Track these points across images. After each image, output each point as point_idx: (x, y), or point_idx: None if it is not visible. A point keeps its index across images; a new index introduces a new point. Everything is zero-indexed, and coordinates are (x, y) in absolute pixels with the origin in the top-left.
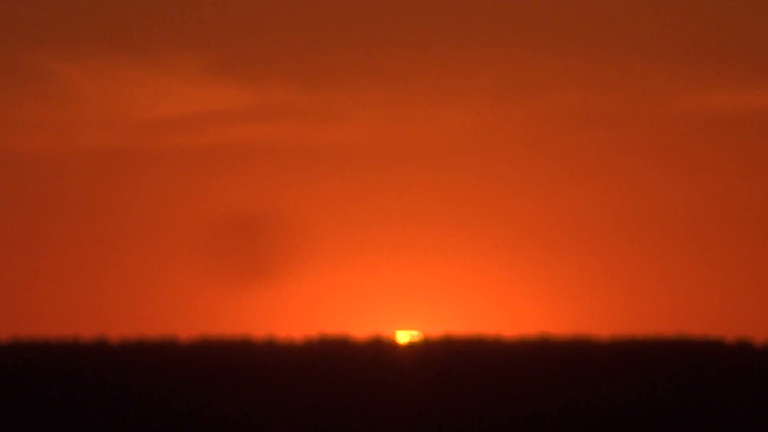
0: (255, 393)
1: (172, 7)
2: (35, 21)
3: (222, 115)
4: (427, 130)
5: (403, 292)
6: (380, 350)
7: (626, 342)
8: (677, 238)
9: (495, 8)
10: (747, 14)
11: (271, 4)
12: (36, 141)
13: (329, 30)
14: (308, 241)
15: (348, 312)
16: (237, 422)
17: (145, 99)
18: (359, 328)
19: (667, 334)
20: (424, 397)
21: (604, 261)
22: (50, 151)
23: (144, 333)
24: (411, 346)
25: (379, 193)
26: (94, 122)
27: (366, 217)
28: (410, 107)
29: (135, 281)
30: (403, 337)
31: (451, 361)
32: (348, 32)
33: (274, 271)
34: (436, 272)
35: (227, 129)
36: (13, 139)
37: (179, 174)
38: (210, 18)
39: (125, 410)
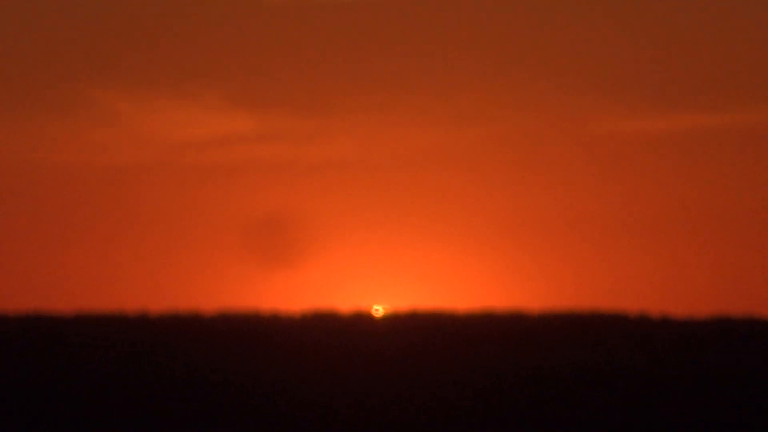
0: (263, 356)
1: (195, 49)
2: (82, 56)
3: (235, 138)
4: (400, 148)
5: (378, 274)
6: (361, 322)
7: (555, 314)
8: (591, 231)
9: (450, 53)
10: (652, 49)
11: (274, 49)
12: (80, 157)
13: (321, 68)
14: (305, 236)
15: (335, 290)
16: (250, 377)
17: (172, 124)
18: (344, 303)
19: (585, 308)
20: (395, 361)
21: (535, 248)
22: (92, 166)
23: (176, 306)
24: (385, 318)
25: (362, 199)
26: (130, 142)
27: (352, 218)
28: (385, 131)
29: (165, 267)
30: (378, 311)
31: (417, 331)
32: (336, 70)
33: (277, 260)
34: (403, 259)
35: (239, 148)
36: (61, 155)
37: (199, 185)
38: (225, 58)
39: (163, 367)
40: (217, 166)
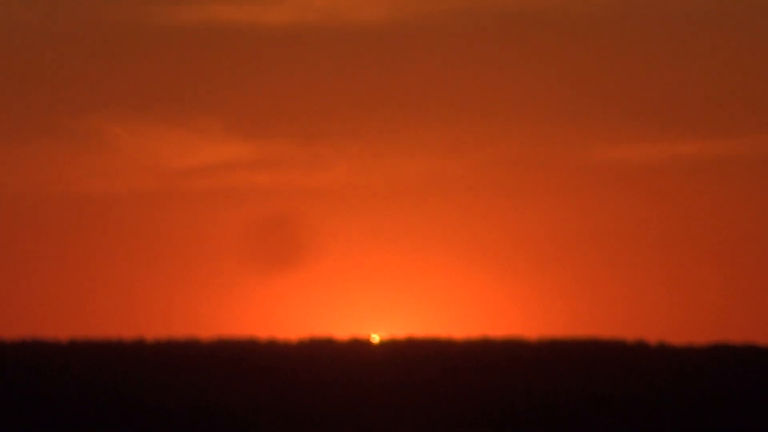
0: (260, 382)
1: (195, 80)
2: (87, 89)
3: (232, 164)
4: (394, 174)
5: (375, 301)
6: (357, 349)
7: (550, 342)
8: (588, 256)
9: (444, 81)
10: (647, 81)
11: (272, 81)
12: (80, 184)
13: (316, 100)
14: (301, 262)
15: (332, 317)
16: (249, 404)
17: (173, 152)
18: (340, 330)
19: (581, 335)
20: (392, 387)
21: (532, 276)
22: (92, 193)
23: (173, 333)
24: (381, 345)
25: (356, 225)
26: (129, 169)
27: (346, 243)
28: (380, 158)
29: (163, 293)
30: (375, 338)
31: (413, 358)
32: (330, 102)
33: (274, 285)
34: (400, 285)
35: (237, 175)
36: (61, 182)
37: (197, 212)
38: (224, 89)
39: (161, 392)
40: (215, 192)
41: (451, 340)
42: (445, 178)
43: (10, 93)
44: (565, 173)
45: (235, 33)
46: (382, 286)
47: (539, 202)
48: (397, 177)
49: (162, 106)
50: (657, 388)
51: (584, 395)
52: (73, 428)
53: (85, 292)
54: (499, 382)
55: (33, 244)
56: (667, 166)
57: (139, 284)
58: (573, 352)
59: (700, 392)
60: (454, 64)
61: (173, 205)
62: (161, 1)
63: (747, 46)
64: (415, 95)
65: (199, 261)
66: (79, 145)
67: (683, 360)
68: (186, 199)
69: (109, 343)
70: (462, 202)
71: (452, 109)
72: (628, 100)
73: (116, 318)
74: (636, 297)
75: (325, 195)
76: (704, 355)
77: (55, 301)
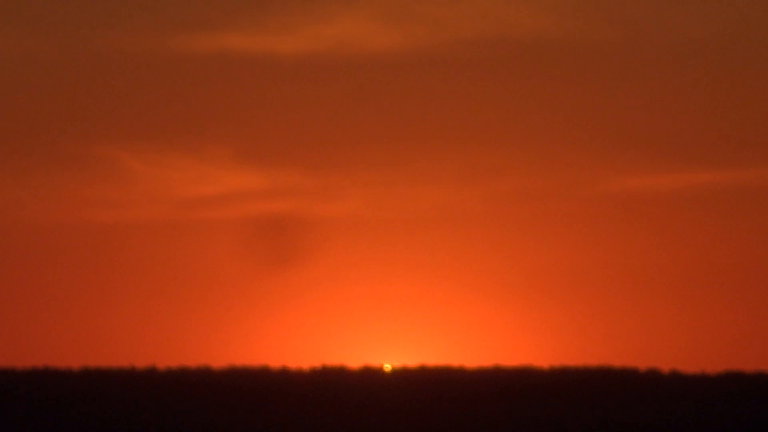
0: (272, 411)
1: (208, 109)
2: (101, 118)
3: (246, 194)
4: (406, 204)
5: (386, 330)
6: (370, 377)
7: (562, 370)
8: (601, 285)
9: (456, 111)
10: (656, 112)
11: (284, 110)
12: (98, 212)
13: (328, 130)
14: (313, 291)
15: (344, 346)
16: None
17: (185, 181)
18: (353, 359)
19: (594, 364)
20: (405, 416)
21: (544, 305)
22: (109, 221)
23: (185, 363)
24: (394, 374)
25: (368, 254)
26: (144, 199)
27: (358, 273)
28: (392, 188)
29: (176, 321)
30: (388, 367)
31: (425, 387)
32: (342, 132)
33: (288, 311)
34: (412, 314)
35: (249, 204)
36: (81, 210)
37: (209, 241)
38: (236, 119)
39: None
40: (227, 221)
41: (462, 368)
42: (459, 208)
43: (24, 122)
44: (578, 203)
45: (247, 63)
46: (394, 316)
47: (553, 231)
48: (410, 207)
49: (175, 135)
50: (670, 416)
51: (597, 423)
52: None
53: (97, 320)
54: (511, 411)
55: (45, 272)
56: (680, 196)
57: (152, 312)
58: (586, 381)
59: (713, 420)
60: (467, 94)
61: (185, 234)
62: (175, 31)
63: (763, 77)
64: (428, 125)
65: (212, 289)
66: (92, 174)
67: (696, 388)
68: (198, 228)
69: (121, 371)
70: (475, 231)
71: (465, 139)
72: (641, 131)
73: (129, 346)
74: (649, 326)
75: (337, 224)
76: (717, 383)
77: (65, 331)
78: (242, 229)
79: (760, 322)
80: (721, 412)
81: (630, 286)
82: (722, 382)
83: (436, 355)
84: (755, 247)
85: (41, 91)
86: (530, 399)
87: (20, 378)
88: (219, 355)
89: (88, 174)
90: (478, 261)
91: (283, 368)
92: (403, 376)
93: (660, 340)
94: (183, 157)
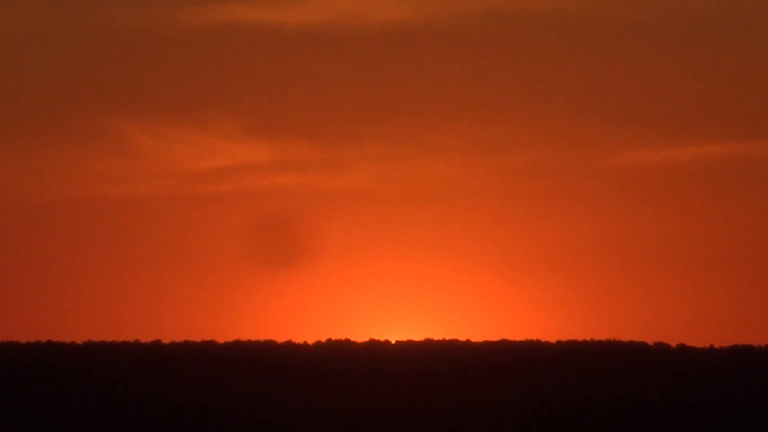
0: (278, 384)
1: (214, 80)
2: (108, 91)
3: (253, 167)
4: (414, 178)
5: (393, 304)
6: (374, 352)
7: (570, 344)
8: (609, 259)
9: (465, 85)
10: (664, 85)
11: (292, 80)
12: (106, 187)
13: (336, 103)
14: (321, 265)
15: (350, 321)
16: (266, 405)
17: (193, 155)
18: (358, 334)
19: (602, 338)
20: (409, 390)
21: (552, 279)
22: (116, 195)
23: (189, 337)
24: (400, 348)
25: (375, 228)
26: (152, 173)
27: (365, 247)
28: (400, 162)
29: (182, 296)
30: (392, 341)
31: (431, 361)
32: (351, 104)
33: (294, 285)
34: (418, 290)
35: (257, 177)
36: (88, 185)
37: (216, 214)
38: (244, 92)
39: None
40: (233, 194)
41: (469, 343)
42: (467, 182)
43: (31, 97)
44: (586, 178)
45: (254, 35)
46: (400, 290)
47: (561, 206)
48: (418, 180)
49: (182, 108)
50: (678, 390)
51: (605, 397)
52: (88, 429)
53: (103, 294)
54: (518, 385)
55: (52, 246)
56: (688, 170)
57: (158, 286)
58: (593, 355)
59: (722, 394)
60: (476, 67)
61: (192, 208)
62: (181, 3)
63: None
64: (436, 98)
65: (217, 263)
66: (99, 148)
67: (704, 362)
68: (204, 202)
69: (125, 345)
70: (483, 206)
71: (474, 113)
72: (650, 105)
73: (134, 320)
74: (657, 300)
75: (344, 198)
76: (725, 356)
77: (70, 305)
78: (248, 203)
79: None
80: (730, 386)
81: (638, 260)
82: (730, 355)
83: (442, 330)
84: (765, 220)
85: (48, 66)
86: (537, 373)
87: (24, 351)
88: (224, 330)
89: (95, 148)
90: (485, 235)
91: (289, 341)
92: (408, 350)
93: (668, 315)
94: (191, 131)
